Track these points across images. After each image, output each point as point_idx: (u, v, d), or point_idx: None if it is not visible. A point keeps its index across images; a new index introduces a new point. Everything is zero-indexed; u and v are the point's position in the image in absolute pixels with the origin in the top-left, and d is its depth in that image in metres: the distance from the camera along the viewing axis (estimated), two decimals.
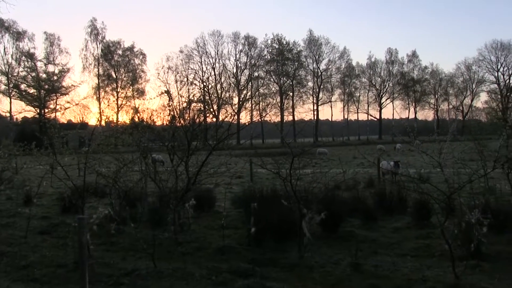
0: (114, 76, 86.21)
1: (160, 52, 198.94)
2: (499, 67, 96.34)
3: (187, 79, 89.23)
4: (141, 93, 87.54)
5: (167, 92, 11.08)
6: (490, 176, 13.32)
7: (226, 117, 39.72)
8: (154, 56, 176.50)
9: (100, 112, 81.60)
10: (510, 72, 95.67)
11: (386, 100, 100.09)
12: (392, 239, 9.21)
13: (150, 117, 11.61)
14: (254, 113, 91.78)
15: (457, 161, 11.12)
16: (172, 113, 11.07)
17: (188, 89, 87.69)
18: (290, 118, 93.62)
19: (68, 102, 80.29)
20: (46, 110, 79.54)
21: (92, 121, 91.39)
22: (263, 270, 7.02)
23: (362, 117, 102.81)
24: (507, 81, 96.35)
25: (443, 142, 8.87)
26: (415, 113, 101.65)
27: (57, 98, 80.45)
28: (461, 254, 7.23)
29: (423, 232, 9.57)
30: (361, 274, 6.91)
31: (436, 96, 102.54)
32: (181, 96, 75.96)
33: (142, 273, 6.92)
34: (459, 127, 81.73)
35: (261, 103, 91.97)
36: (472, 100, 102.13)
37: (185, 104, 12.16)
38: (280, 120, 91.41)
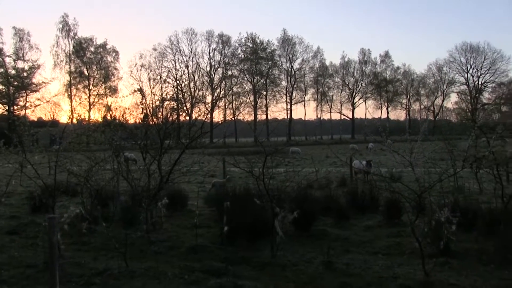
0: (86, 73, 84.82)
1: (133, 49, 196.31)
2: (468, 68, 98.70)
3: (160, 77, 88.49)
4: (113, 90, 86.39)
5: (140, 90, 10.95)
6: (459, 175, 13.66)
7: (199, 115, 39.46)
8: (127, 53, 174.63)
9: (71, 110, 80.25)
10: (479, 74, 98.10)
11: (359, 99, 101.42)
12: (364, 238, 9.34)
13: (122, 115, 11.49)
14: (228, 111, 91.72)
15: (427, 161, 11.33)
16: (144, 111, 10.98)
17: (161, 87, 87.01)
18: (264, 117, 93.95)
19: (38, 99, 78.39)
20: (16, 107, 77.56)
21: (64, 119, 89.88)
22: (235, 269, 7.04)
23: (335, 116, 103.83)
24: (476, 82, 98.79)
25: (414, 142, 9.06)
26: (388, 113, 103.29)
27: (27, 95, 78.38)
28: (431, 252, 7.41)
29: (394, 230, 9.72)
30: (333, 272, 7.00)
31: (408, 96, 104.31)
32: (154, 94, 75.21)
33: (114, 272, 6.85)
34: (430, 127, 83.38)
35: (234, 101, 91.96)
36: (442, 101, 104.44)
37: (158, 103, 12.06)
38: (253, 119, 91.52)
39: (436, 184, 7.84)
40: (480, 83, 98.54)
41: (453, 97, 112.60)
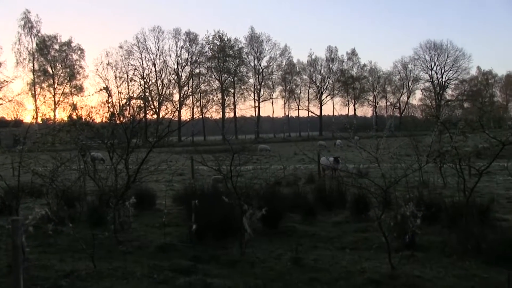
0: (51, 71, 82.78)
1: (99, 47, 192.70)
2: (432, 66, 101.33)
3: (127, 75, 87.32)
4: (79, 89, 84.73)
5: (106, 88, 10.82)
6: (424, 170, 14.02)
7: (166, 113, 39.10)
8: (93, 51, 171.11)
9: (35, 109, 78.30)
10: (442, 71, 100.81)
11: (327, 97, 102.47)
12: (332, 233, 9.43)
13: (88, 114, 11.32)
14: (195, 110, 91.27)
15: (392, 156, 11.59)
16: (111, 110, 10.85)
17: (128, 86, 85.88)
18: (232, 115, 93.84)
19: (0, 98, 76.30)
20: None
21: (28, 118, 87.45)
22: (204, 267, 7.05)
23: (303, 113, 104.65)
24: (440, 79, 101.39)
25: (380, 138, 9.26)
26: (355, 109, 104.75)
27: None
28: (397, 246, 7.56)
29: (361, 225, 9.86)
30: (301, 268, 7.07)
31: (375, 93, 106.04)
32: (120, 93, 74.32)
33: (81, 274, 6.75)
34: (396, 123, 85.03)
35: (202, 99, 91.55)
36: (408, 98, 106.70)
37: (124, 101, 11.93)
38: (221, 117, 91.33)
39: (402, 179, 8.01)
40: (443, 80, 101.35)
41: (418, 94, 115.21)
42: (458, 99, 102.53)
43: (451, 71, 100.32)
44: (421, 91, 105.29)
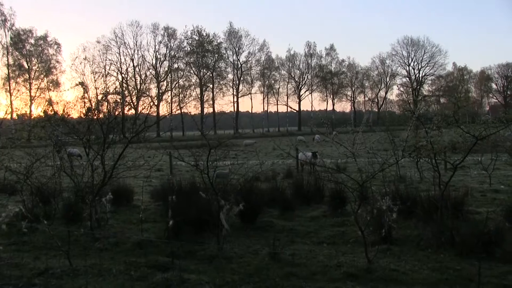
0: (26, 66, 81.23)
1: (76, 42, 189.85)
2: (410, 61, 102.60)
3: (105, 70, 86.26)
4: (56, 84, 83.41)
5: (82, 83, 10.65)
6: (402, 165, 14.20)
7: (143, 108, 38.80)
8: (70, 46, 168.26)
9: (10, 105, 76.75)
10: (419, 67, 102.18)
11: (305, 92, 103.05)
12: (309, 228, 9.50)
13: (64, 109, 11.13)
14: (174, 105, 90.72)
15: (369, 151, 11.68)
16: (87, 105, 10.70)
17: (104, 81, 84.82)
18: (211, 110, 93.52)
19: None
20: None
21: (1, 114, 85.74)
22: (182, 262, 7.01)
23: (282, 109, 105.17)
24: (417, 75, 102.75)
25: (356, 133, 9.32)
26: (333, 105, 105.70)
27: None
28: (373, 240, 7.67)
29: (338, 220, 9.94)
30: (278, 263, 7.08)
31: (353, 89, 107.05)
32: (96, 88, 73.38)
33: (56, 272, 6.63)
34: (374, 118, 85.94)
35: (180, 94, 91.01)
36: (386, 93, 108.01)
37: (101, 96, 11.76)
38: (200, 112, 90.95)
39: (378, 173, 8.09)
40: (420, 75, 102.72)
41: (396, 89, 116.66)
42: (434, 95, 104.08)
43: (427, 67, 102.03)
44: (397, 86, 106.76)
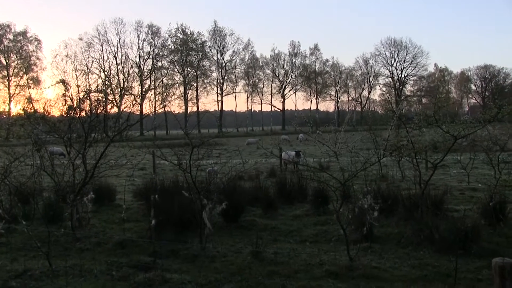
0: (5, 62, 79.93)
1: (57, 38, 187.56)
2: (393, 62, 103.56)
3: (87, 68, 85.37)
4: (36, 82, 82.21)
5: (63, 81, 10.53)
6: (384, 164, 14.33)
7: (126, 107, 38.42)
8: (51, 42, 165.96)
9: None
10: (402, 67, 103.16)
11: (289, 91, 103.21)
12: (292, 227, 9.54)
13: (44, 107, 11.00)
14: (157, 103, 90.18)
15: (351, 150, 11.77)
16: (68, 103, 10.57)
17: (85, 78, 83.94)
18: (195, 109, 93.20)
19: None
20: None
21: None
22: (164, 262, 6.98)
23: (266, 108, 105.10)
24: (400, 75, 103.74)
25: (339, 132, 9.39)
26: (317, 104, 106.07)
27: None
28: (355, 238, 7.74)
29: (321, 218, 9.99)
30: (261, 261, 7.10)
31: (337, 88, 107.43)
32: (78, 86, 72.58)
33: (35, 273, 6.51)
34: (358, 118, 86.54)
35: (164, 93, 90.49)
36: (369, 93, 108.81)
37: (82, 94, 11.65)
38: (184, 111, 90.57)
39: (361, 172, 8.16)
40: (403, 76, 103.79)
41: (379, 89, 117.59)
42: (416, 95, 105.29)
43: (410, 67, 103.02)
44: (379, 86, 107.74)
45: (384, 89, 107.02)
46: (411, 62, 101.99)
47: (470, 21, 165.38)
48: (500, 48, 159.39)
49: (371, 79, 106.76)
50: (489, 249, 7.09)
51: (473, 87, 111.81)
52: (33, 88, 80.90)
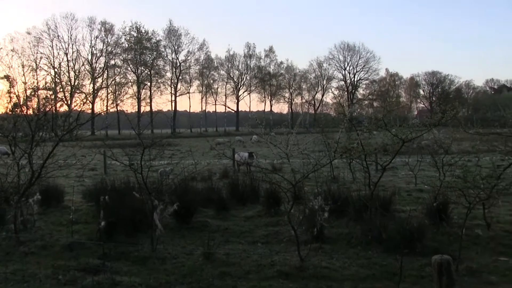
0: None
1: (2, 31, 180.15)
2: (346, 66, 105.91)
3: (36, 63, 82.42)
4: None
5: (7, 77, 10.11)
6: (336, 166, 14.58)
7: (76, 105, 37.43)
8: None
9: None
10: (355, 71, 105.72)
11: (244, 92, 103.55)
12: (244, 228, 9.55)
13: None
14: (110, 102, 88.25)
15: (302, 152, 11.88)
16: (14, 100, 10.16)
17: (33, 75, 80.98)
18: (148, 108, 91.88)
19: None
20: None
21: None
22: (114, 264, 6.86)
23: (220, 109, 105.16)
24: (352, 79, 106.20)
25: (290, 134, 9.47)
26: (271, 106, 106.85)
27: None
28: (306, 238, 7.82)
29: (273, 219, 10.05)
30: (213, 263, 7.09)
31: (291, 90, 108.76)
32: (24, 83, 69.94)
33: None
34: (311, 120, 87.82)
35: (117, 92, 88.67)
36: (322, 95, 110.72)
37: (30, 91, 11.24)
38: (137, 110, 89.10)
39: (312, 174, 8.27)
40: (355, 79, 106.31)
41: (332, 92, 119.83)
42: (368, 98, 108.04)
43: (362, 72, 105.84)
44: (332, 89, 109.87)
45: (336, 92, 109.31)
46: (364, 66, 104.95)
47: (420, 28, 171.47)
48: (446, 55, 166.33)
49: (324, 82, 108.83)
50: (432, 248, 7.35)
51: (421, 92, 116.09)
52: None
